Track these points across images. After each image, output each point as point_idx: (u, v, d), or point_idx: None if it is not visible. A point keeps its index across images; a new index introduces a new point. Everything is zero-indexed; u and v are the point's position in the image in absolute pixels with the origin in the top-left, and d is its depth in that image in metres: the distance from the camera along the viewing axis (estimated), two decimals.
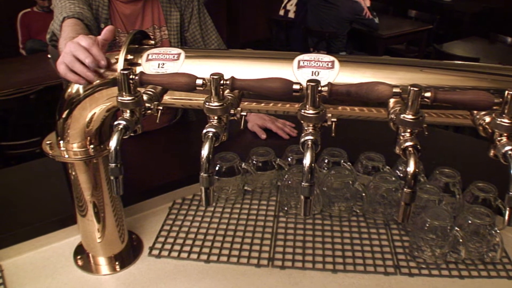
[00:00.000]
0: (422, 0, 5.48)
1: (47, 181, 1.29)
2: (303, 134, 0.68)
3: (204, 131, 0.70)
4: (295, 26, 4.15)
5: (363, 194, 1.21)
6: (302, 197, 0.67)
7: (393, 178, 1.22)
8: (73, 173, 1.01)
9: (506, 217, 0.68)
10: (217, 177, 1.28)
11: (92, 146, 0.99)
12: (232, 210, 1.30)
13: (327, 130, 0.72)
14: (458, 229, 1.08)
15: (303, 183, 0.66)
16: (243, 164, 1.29)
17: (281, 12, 4.32)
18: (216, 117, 0.71)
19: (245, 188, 1.33)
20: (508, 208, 0.67)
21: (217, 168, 1.28)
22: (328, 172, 1.25)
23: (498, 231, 1.09)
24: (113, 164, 0.73)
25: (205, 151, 0.68)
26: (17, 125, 2.84)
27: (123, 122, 0.74)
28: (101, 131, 1.00)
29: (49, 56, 2.98)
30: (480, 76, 0.79)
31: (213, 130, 0.70)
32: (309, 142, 0.66)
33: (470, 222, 1.10)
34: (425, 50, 4.49)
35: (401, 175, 1.28)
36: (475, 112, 0.73)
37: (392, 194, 1.20)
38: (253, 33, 5.54)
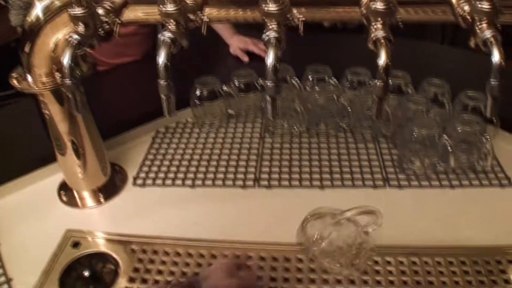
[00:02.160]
0: None
1: (24, 122, 1.26)
2: (265, 31, 0.64)
3: (160, 36, 0.66)
4: None
5: (349, 109, 1.17)
6: (267, 97, 0.63)
7: None
8: (47, 112, 0.97)
9: (489, 108, 0.64)
10: (198, 102, 1.24)
11: (59, 73, 0.95)
12: (217, 135, 1.27)
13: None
14: (447, 138, 1.04)
15: (267, 82, 0.62)
16: (224, 87, 1.24)
17: None
18: (173, 22, 0.66)
19: (229, 111, 1.29)
20: (489, 97, 0.63)
21: (198, 93, 1.23)
22: (312, 89, 1.20)
23: (488, 138, 1.05)
24: (68, 80, 0.69)
25: (161, 58, 0.64)
26: None
27: (75, 36, 0.69)
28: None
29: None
30: None
31: (170, 35, 0.65)
32: (272, 39, 0.62)
33: (459, 130, 1.06)
34: None
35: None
36: (454, 1, 0.67)
37: None
38: None
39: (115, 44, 1.39)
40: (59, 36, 0.90)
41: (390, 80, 1.21)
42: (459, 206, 1.01)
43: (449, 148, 1.04)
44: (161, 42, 0.66)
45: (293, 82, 1.26)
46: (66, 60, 0.68)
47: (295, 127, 1.21)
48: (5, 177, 1.11)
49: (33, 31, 0.88)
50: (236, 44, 1.54)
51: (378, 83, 0.63)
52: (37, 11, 0.86)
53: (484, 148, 1.07)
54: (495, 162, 1.11)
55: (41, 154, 1.14)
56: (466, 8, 0.66)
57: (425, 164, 1.08)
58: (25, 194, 1.11)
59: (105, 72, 1.61)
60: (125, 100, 1.37)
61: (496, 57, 0.60)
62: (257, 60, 1.51)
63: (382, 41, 0.61)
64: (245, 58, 1.51)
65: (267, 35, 0.63)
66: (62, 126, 0.99)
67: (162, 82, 0.67)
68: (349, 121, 1.21)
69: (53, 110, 0.97)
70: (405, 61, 1.44)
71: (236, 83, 1.26)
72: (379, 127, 1.19)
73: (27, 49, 0.90)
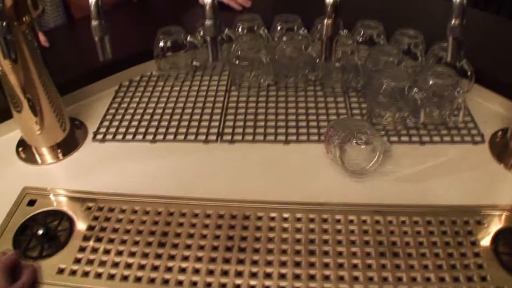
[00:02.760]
0: None
1: None
2: None
3: None
4: None
5: (318, 61, 1.13)
6: (208, 38, 0.59)
7: (350, 42, 1.12)
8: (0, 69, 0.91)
9: (449, 51, 0.60)
10: (161, 54, 1.18)
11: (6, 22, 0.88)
12: (181, 88, 1.22)
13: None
14: (417, 90, 1.00)
15: (206, 22, 0.58)
16: (189, 37, 1.18)
17: None
18: None
19: (194, 63, 1.24)
20: (451, 38, 0.59)
21: (161, 44, 1.18)
22: (280, 39, 1.15)
23: (460, 91, 1.01)
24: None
25: None
26: None
27: None
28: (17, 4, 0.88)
29: None
30: None
31: None
32: None
33: (431, 82, 1.02)
34: None
35: (360, 39, 1.19)
36: None
37: (349, 58, 1.11)
38: None
39: None
40: None
41: (361, 33, 1.19)
42: (429, 163, 0.97)
43: (419, 101, 1.01)
44: None
45: (261, 32, 1.20)
46: None
47: (262, 79, 1.16)
48: None
49: None
50: None
51: (326, 21, 0.58)
52: None
53: (456, 102, 1.03)
54: (469, 118, 1.08)
55: None
56: None
57: (395, 118, 1.04)
58: None
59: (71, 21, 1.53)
60: (87, 51, 1.31)
61: None
62: (225, 9, 1.44)
63: None
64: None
65: None
66: (17, 83, 0.93)
67: (94, 22, 0.61)
68: (318, 73, 1.16)
69: (7, 68, 0.91)
70: (379, 9, 1.39)
71: (202, 33, 1.20)
72: (349, 80, 1.15)
73: None
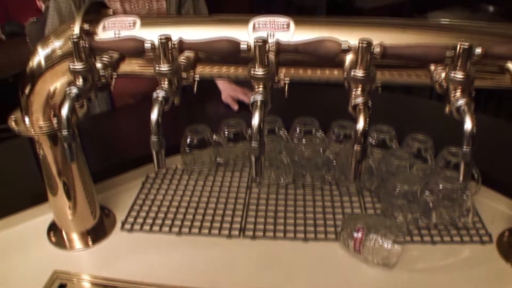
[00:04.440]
0: None
1: (19, 160, 1.28)
2: (252, 93, 0.68)
3: (154, 94, 0.69)
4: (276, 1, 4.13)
5: (334, 163, 1.21)
6: (252, 157, 0.66)
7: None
8: (41, 152, 1.00)
9: (461, 173, 0.67)
10: (188, 150, 1.27)
11: (56, 119, 0.98)
12: (205, 182, 1.30)
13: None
14: (429, 194, 1.07)
15: (252, 143, 0.65)
16: (214, 136, 1.27)
17: None
18: (166, 81, 0.70)
19: (218, 160, 1.32)
20: (463, 163, 0.66)
21: (188, 141, 1.26)
22: (299, 141, 1.24)
23: (469, 195, 1.09)
24: (65, 131, 0.72)
25: (154, 115, 0.68)
26: None
27: (75, 89, 0.72)
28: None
29: (27, 39, 2.95)
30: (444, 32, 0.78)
31: (163, 93, 0.69)
32: (258, 102, 0.65)
33: (441, 186, 1.09)
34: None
35: (373, 143, 1.28)
36: (432, 68, 0.72)
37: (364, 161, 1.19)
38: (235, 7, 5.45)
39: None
40: (57, 85, 0.93)
41: (375, 137, 1.28)
42: (440, 262, 1.03)
43: (430, 204, 1.07)
44: (154, 100, 0.69)
45: (281, 133, 1.29)
46: (64, 112, 0.72)
47: (281, 178, 1.24)
48: None
49: (34, 76, 0.92)
50: (227, 92, 1.60)
51: (356, 147, 0.66)
52: (39, 57, 0.90)
53: (465, 205, 1.09)
54: (477, 219, 1.14)
55: (33, 193, 1.16)
56: (443, 75, 0.71)
57: (408, 219, 1.10)
58: (15, 232, 1.13)
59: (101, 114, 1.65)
60: (119, 143, 1.40)
61: (468, 124, 0.64)
62: (247, 109, 1.55)
63: (361, 107, 0.64)
64: (235, 107, 1.56)
65: (254, 98, 0.67)
66: (55, 167, 1.01)
67: (153, 138, 0.70)
68: (334, 173, 1.24)
69: (48, 152, 1.00)
70: (392, 114, 1.49)
71: (226, 132, 1.30)
72: (364, 181, 1.22)
73: (27, 91, 0.93)
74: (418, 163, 1.22)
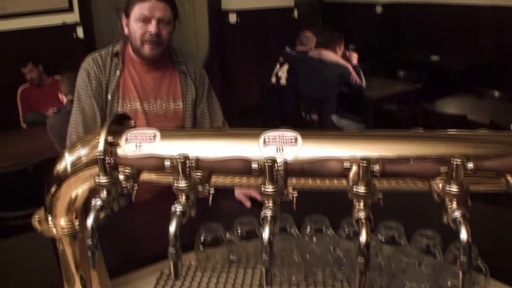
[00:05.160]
0: (410, 60, 5.63)
1: (38, 254, 1.32)
2: (263, 208, 0.73)
3: (172, 208, 0.75)
4: (287, 92, 4.28)
5: (345, 261, 1.24)
6: (263, 268, 0.70)
7: (374, 243, 1.24)
8: (61, 247, 1.05)
9: (460, 282, 0.71)
10: (202, 247, 1.31)
11: (77, 221, 1.03)
12: (218, 280, 1.32)
13: (307, 197, 0.76)
14: None
15: (263, 256, 0.69)
16: (227, 234, 1.32)
17: (273, 80, 4.47)
18: (184, 195, 0.75)
19: (230, 258, 1.35)
20: (460, 272, 0.70)
21: (202, 239, 1.31)
22: (310, 239, 1.28)
23: None
24: (90, 241, 0.77)
25: (172, 228, 0.73)
26: (16, 196, 2.88)
27: (99, 202, 0.78)
28: (87, 208, 1.04)
29: (48, 129, 3.08)
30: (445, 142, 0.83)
31: (181, 208, 0.74)
32: (269, 217, 0.71)
33: (449, 284, 1.11)
34: (416, 109, 4.56)
35: (382, 239, 1.31)
36: (431, 179, 0.77)
37: (374, 259, 1.22)
38: (247, 98, 5.66)
39: None
40: (79, 190, 0.99)
41: (384, 233, 1.31)
42: None
43: None
44: (172, 214, 0.75)
45: (292, 232, 1.34)
46: (90, 222, 0.77)
47: (293, 276, 1.27)
48: None
49: (60, 179, 0.98)
50: (240, 189, 1.65)
51: (359, 259, 0.70)
52: (66, 162, 0.97)
53: None
54: None
55: (50, 284, 1.18)
56: (440, 185, 0.76)
57: None
58: None
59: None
60: (134, 238, 1.44)
61: (464, 235, 0.68)
62: (259, 206, 1.59)
63: (363, 220, 0.69)
64: (248, 204, 1.61)
65: (264, 213, 0.72)
66: (73, 265, 1.06)
67: (171, 249, 0.74)
68: (345, 270, 1.26)
69: (67, 249, 1.05)
70: (400, 210, 1.52)
71: (239, 230, 1.34)
72: (374, 278, 1.25)
73: (52, 190, 0.99)
74: (427, 258, 1.24)
